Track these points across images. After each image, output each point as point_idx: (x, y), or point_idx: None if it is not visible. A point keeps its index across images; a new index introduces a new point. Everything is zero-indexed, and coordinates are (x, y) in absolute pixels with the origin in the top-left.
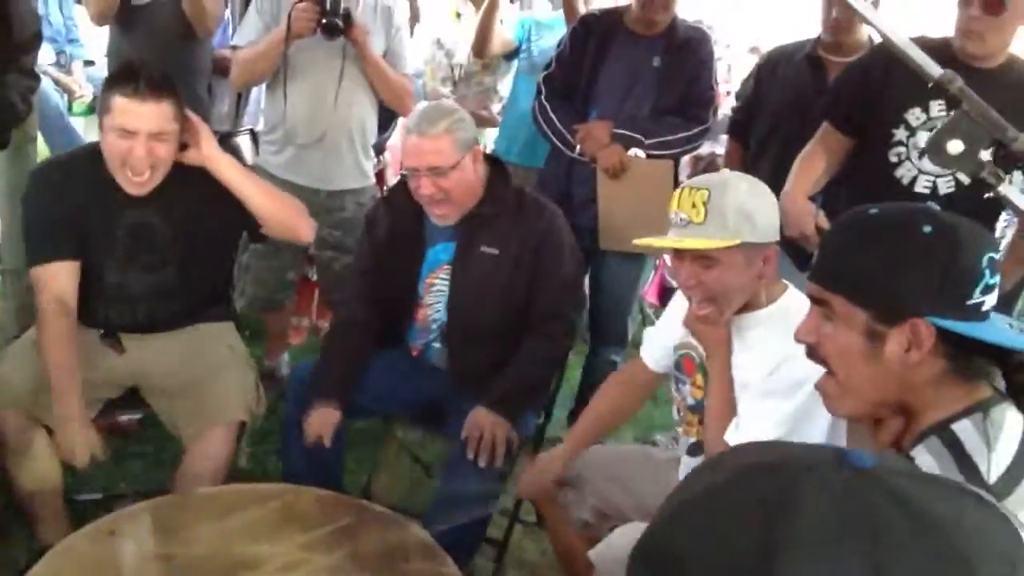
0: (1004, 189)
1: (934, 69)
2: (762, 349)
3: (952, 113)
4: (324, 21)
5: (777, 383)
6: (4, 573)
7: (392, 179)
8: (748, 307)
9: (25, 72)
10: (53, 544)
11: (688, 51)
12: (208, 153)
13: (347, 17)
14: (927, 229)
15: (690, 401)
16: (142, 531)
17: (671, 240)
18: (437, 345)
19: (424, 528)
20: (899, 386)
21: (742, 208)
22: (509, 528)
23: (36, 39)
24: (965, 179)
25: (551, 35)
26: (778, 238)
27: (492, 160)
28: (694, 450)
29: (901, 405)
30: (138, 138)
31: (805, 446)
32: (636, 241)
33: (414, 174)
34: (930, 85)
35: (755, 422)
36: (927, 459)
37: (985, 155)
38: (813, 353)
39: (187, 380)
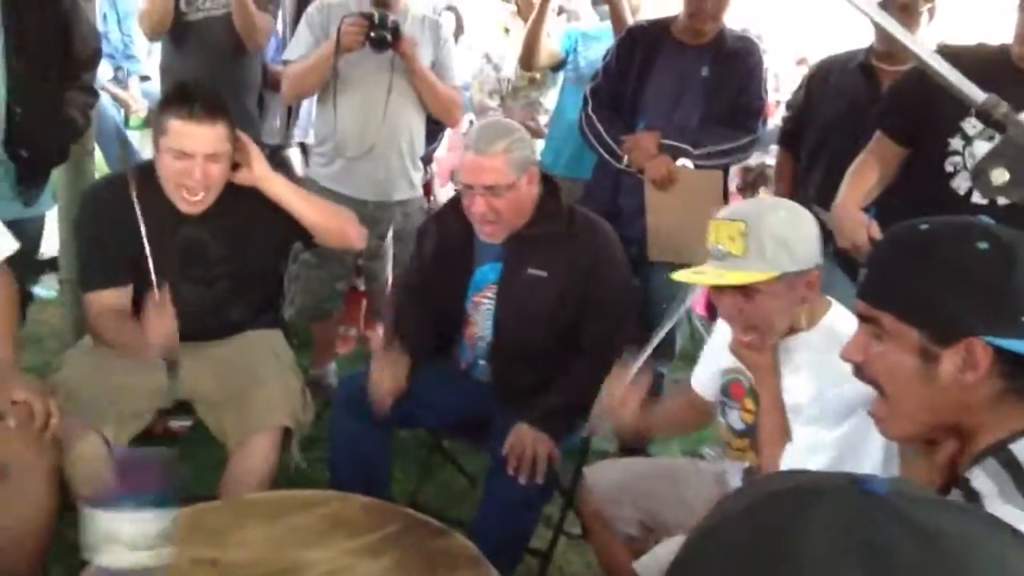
0: None
1: (977, 94)
2: (809, 371)
3: (998, 138)
4: (372, 35)
5: (826, 406)
6: (58, 574)
7: (439, 190)
8: (793, 329)
9: (85, 88)
10: None
11: (737, 61)
12: (260, 173)
13: (395, 30)
14: (983, 246)
15: (739, 426)
16: (188, 536)
17: (711, 276)
18: (483, 362)
19: (468, 537)
20: (954, 407)
21: (780, 238)
22: (554, 540)
23: (96, 56)
24: None
25: (598, 47)
26: (819, 262)
27: (544, 178)
28: (747, 477)
29: (956, 427)
30: (194, 159)
31: (823, 473)
32: (675, 275)
33: (468, 191)
34: (973, 111)
35: (806, 446)
36: (985, 481)
37: None
38: (861, 372)
39: (233, 387)
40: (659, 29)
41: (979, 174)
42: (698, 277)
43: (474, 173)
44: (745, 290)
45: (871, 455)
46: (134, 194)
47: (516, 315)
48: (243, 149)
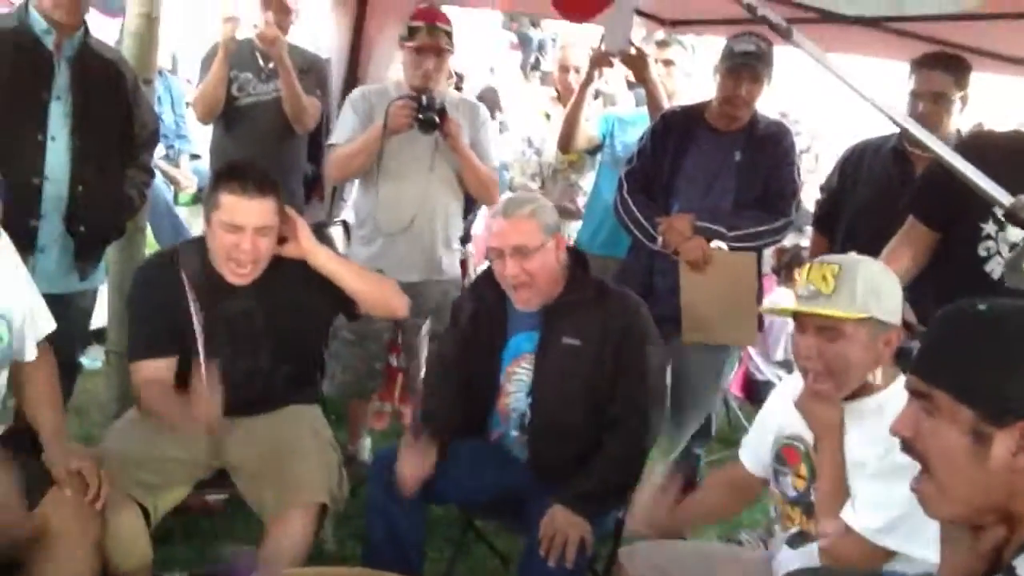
0: None
1: (1004, 197)
2: (877, 431)
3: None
4: (420, 116)
5: (892, 464)
6: None
7: (475, 269)
8: (863, 391)
9: (143, 168)
10: None
11: (769, 145)
12: (307, 247)
13: (442, 112)
14: None
15: (791, 493)
16: None
17: (804, 306)
18: (515, 433)
19: None
20: (1003, 491)
21: (872, 284)
22: None
23: (155, 137)
24: None
25: (633, 131)
26: (900, 322)
27: (572, 251)
28: (795, 541)
29: (1004, 511)
30: (244, 233)
31: (851, 571)
32: (763, 309)
33: (499, 256)
34: (1002, 214)
35: (872, 503)
36: None
37: None
38: (910, 448)
39: (271, 461)
40: (693, 115)
41: (1014, 265)
42: (790, 305)
43: (503, 236)
44: (829, 331)
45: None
46: (182, 269)
47: (553, 385)
48: (290, 223)
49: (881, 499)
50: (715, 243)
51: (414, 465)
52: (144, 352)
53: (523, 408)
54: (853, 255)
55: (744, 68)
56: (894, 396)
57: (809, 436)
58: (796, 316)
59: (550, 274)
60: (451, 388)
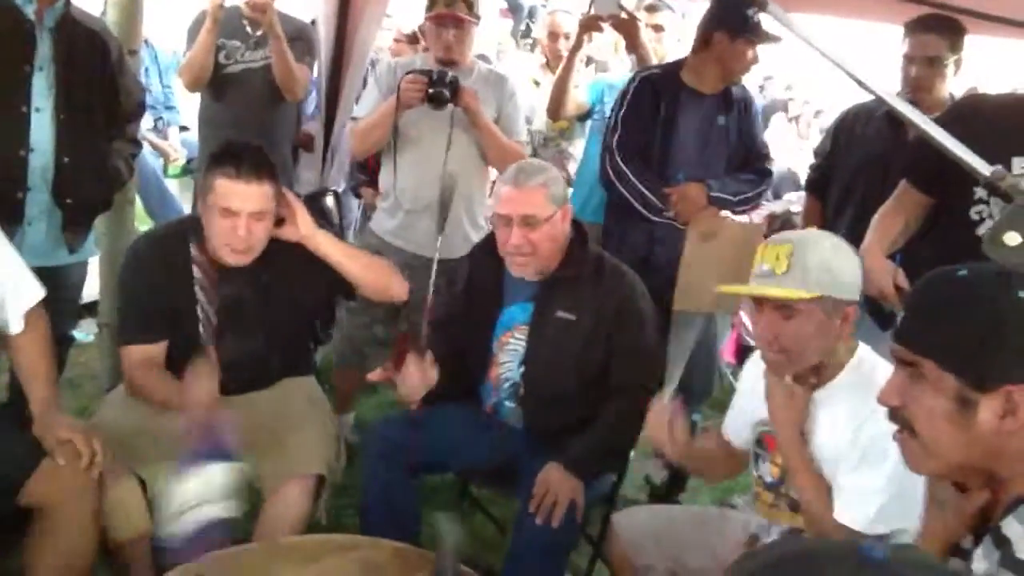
0: None
1: (984, 167)
2: (842, 417)
3: (1009, 206)
4: (431, 91)
5: (866, 446)
6: None
7: None
8: (823, 376)
9: (130, 139)
10: None
11: (743, 108)
12: (306, 232)
13: (454, 86)
14: (1021, 295)
15: (768, 479)
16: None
17: (756, 287)
18: (510, 404)
19: None
20: (988, 454)
21: (825, 262)
22: None
23: (141, 108)
24: None
25: None
26: (857, 297)
27: (574, 223)
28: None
29: (988, 473)
30: (240, 217)
31: (828, 541)
32: (720, 288)
33: (506, 223)
34: (982, 183)
35: (859, 495)
36: (1017, 529)
37: None
38: (896, 416)
39: (268, 433)
40: (672, 78)
41: (992, 238)
42: (743, 288)
43: (512, 204)
44: (784, 310)
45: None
46: (194, 250)
47: (546, 357)
48: (288, 206)
49: (867, 489)
50: (724, 212)
51: (420, 374)
52: (135, 336)
53: (515, 378)
54: (807, 232)
55: (758, 37)
56: (852, 372)
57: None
58: (754, 297)
59: (554, 245)
60: (441, 350)
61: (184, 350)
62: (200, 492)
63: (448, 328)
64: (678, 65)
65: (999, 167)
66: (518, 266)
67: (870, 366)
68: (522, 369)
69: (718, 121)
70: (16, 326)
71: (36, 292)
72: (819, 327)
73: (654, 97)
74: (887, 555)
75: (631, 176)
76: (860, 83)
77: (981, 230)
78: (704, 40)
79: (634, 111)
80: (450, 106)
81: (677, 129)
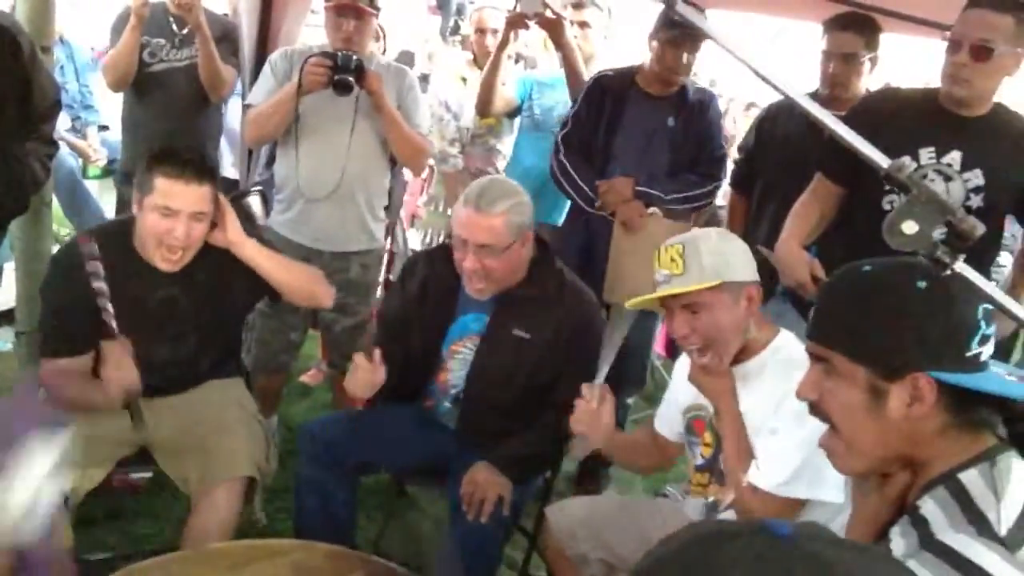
0: (958, 267)
1: (883, 160)
2: (764, 391)
3: (906, 197)
4: (336, 78)
5: (783, 416)
6: None
7: (403, 236)
8: (744, 354)
9: (45, 140)
10: None
11: (700, 111)
12: (233, 238)
13: (359, 71)
14: (921, 284)
15: (699, 461)
16: None
17: (660, 291)
18: (448, 405)
19: None
20: (904, 440)
21: (715, 250)
22: None
23: (56, 107)
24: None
25: (552, 93)
26: (756, 278)
27: (538, 241)
28: (710, 510)
29: (907, 458)
30: (179, 217)
31: (733, 522)
32: (629, 303)
33: (462, 245)
34: (881, 175)
35: (772, 458)
36: (933, 509)
37: (938, 235)
38: (816, 409)
39: (196, 437)
40: (625, 79)
41: (891, 227)
42: (648, 296)
43: (470, 230)
44: (693, 306)
45: None
46: (86, 258)
47: (494, 372)
48: (220, 211)
49: (779, 453)
50: (652, 208)
51: (364, 376)
52: (56, 351)
53: (462, 385)
54: (692, 232)
55: (686, 38)
56: (773, 353)
57: (710, 404)
58: (662, 302)
59: (510, 271)
60: (388, 347)
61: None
62: (34, 482)
63: (398, 329)
64: (637, 68)
65: (900, 159)
66: (475, 291)
67: (791, 348)
68: (466, 377)
69: (667, 122)
70: None
71: None
72: (727, 312)
73: (602, 96)
74: (793, 531)
75: (570, 169)
76: (766, 80)
77: None
78: (648, 45)
79: (583, 109)
80: (355, 90)
81: (621, 128)
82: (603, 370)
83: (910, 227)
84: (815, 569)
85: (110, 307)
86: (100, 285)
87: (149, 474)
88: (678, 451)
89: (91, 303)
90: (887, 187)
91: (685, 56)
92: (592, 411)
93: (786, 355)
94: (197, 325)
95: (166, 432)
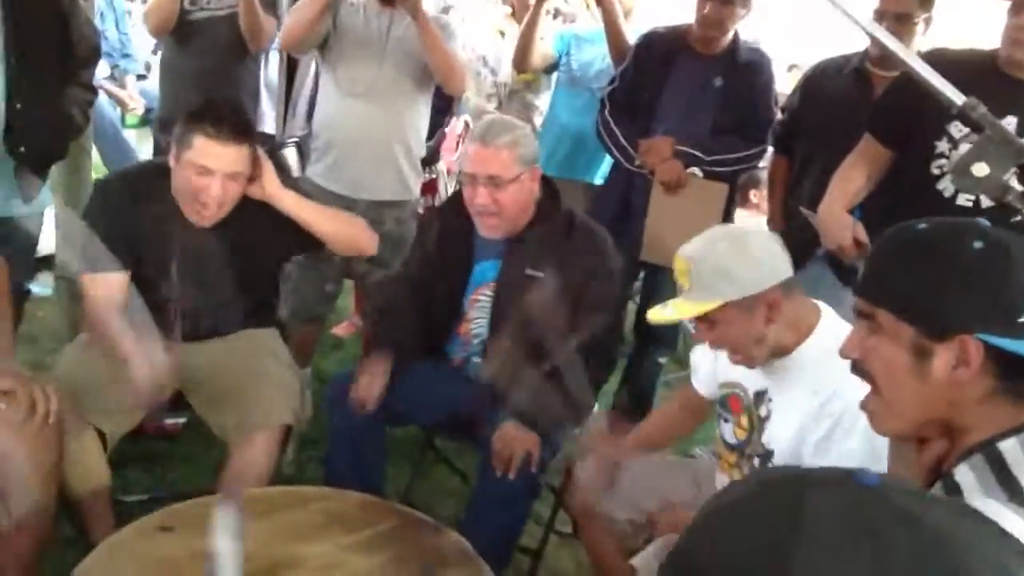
0: None
1: (957, 97)
2: (799, 388)
3: (978, 137)
4: None
5: (836, 418)
6: (55, 571)
7: (446, 189)
8: (777, 352)
9: (84, 86)
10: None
11: (749, 72)
12: (272, 192)
13: None
14: (978, 245)
15: (732, 440)
16: (189, 528)
17: (668, 312)
18: (477, 359)
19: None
20: (945, 404)
21: (720, 269)
22: (544, 538)
23: (95, 54)
24: None
25: (591, 48)
26: (772, 284)
27: (545, 181)
28: None
29: (947, 424)
30: (215, 177)
31: (817, 468)
32: (649, 315)
33: (471, 182)
34: (955, 112)
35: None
36: (967, 475)
37: (1010, 179)
38: (857, 368)
39: (232, 384)
40: (675, 37)
41: (960, 169)
42: (658, 314)
43: (478, 163)
44: (707, 322)
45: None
46: (146, 196)
47: (513, 314)
48: (257, 164)
49: (843, 454)
50: (691, 169)
51: (366, 385)
52: (96, 263)
53: (485, 335)
54: (706, 237)
55: None
56: (809, 349)
57: (749, 385)
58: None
59: (520, 206)
60: (413, 309)
61: (147, 288)
62: None
63: (420, 285)
64: (688, 26)
65: (972, 98)
66: (487, 227)
67: (833, 338)
68: (488, 324)
69: (714, 82)
70: None
71: None
72: (741, 325)
73: (650, 54)
74: (881, 482)
75: (613, 126)
76: (851, 17)
77: (941, 184)
78: None
79: (631, 67)
80: (385, 33)
81: (668, 87)
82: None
83: (980, 169)
84: (903, 521)
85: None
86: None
87: (183, 420)
88: (711, 406)
89: (131, 224)
90: (937, 151)
91: (711, 7)
92: (594, 477)
93: (826, 350)
94: (231, 275)
95: (202, 379)
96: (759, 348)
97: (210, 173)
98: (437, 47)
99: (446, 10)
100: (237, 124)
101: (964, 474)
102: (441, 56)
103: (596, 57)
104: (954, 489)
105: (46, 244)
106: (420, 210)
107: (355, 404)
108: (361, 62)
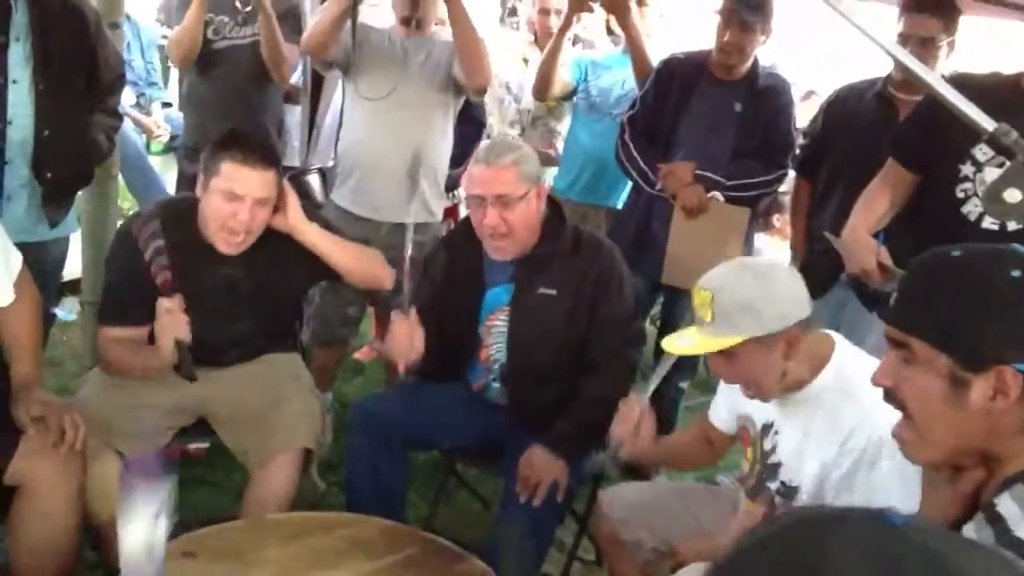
0: None
1: (987, 123)
2: (819, 424)
3: (1009, 164)
4: None
5: (861, 450)
6: None
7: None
8: (792, 387)
9: (109, 112)
10: None
11: (769, 97)
12: (295, 224)
13: None
14: (1015, 274)
15: (743, 471)
16: (211, 554)
17: (687, 345)
18: (497, 384)
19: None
20: (982, 433)
21: (745, 303)
22: (568, 565)
23: (120, 81)
24: None
25: (609, 75)
26: (800, 316)
27: (548, 200)
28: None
29: (984, 453)
30: (244, 202)
31: (846, 507)
32: (663, 344)
33: (480, 203)
34: (985, 139)
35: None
36: (1011, 507)
37: None
38: (891, 396)
39: (254, 409)
40: (695, 63)
41: (992, 195)
42: (675, 345)
43: (485, 184)
44: (726, 355)
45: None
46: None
47: (530, 335)
48: (281, 196)
49: (874, 487)
50: (712, 193)
51: (402, 335)
52: (114, 318)
53: (503, 359)
54: (730, 268)
55: (733, 15)
56: (823, 382)
57: (758, 418)
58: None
59: (529, 225)
60: (428, 336)
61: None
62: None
63: (432, 315)
64: (707, 52)
65: (1003, 124)
66: (496, 250)
67: (848, 370)
68: (507, 350)
69: (734, 107)
70: (6, 296)
71: (18, 258)
72: (760, 361)
73: (671, 79)
74: (906, 521)
75: (633, 151)
76: (877, 42)
77: (966, 208)
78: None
79: (651, 92)
80: (406, 51)
81: (688, 112)
82: (653, 382)
83: (1013, 195)
84: (928, 561)
85: (166, 261)
86: (158, 244)
87: (206, 444)
88: (729, 444)
89: (151, 279)
90: (962, 174)
91: (731, 34)
92: (633, 419)
93: (845, 384)
94: (255, 305)
95: (224, 403)
96: (775, 381)
97: (239, 199)
98: (468, 31)
99: None
100: (263, 150)
101: (1008, 506)
102: (471, 40)
103: (615, 83)
104: (996, 519)
105: (71, 268)
106: (443, 234)
107: (395, 358)
108: (383, 84)
